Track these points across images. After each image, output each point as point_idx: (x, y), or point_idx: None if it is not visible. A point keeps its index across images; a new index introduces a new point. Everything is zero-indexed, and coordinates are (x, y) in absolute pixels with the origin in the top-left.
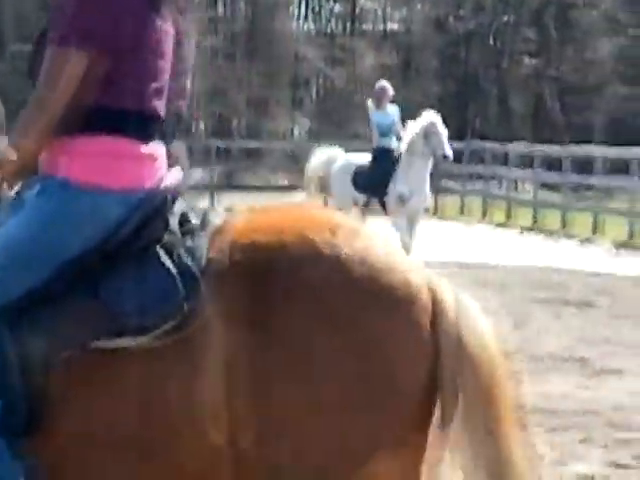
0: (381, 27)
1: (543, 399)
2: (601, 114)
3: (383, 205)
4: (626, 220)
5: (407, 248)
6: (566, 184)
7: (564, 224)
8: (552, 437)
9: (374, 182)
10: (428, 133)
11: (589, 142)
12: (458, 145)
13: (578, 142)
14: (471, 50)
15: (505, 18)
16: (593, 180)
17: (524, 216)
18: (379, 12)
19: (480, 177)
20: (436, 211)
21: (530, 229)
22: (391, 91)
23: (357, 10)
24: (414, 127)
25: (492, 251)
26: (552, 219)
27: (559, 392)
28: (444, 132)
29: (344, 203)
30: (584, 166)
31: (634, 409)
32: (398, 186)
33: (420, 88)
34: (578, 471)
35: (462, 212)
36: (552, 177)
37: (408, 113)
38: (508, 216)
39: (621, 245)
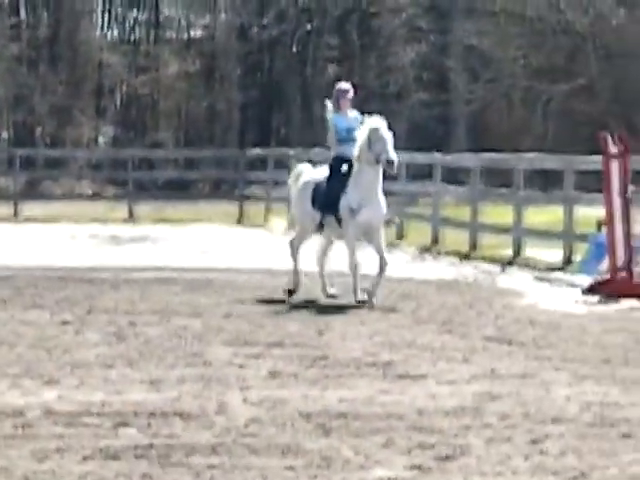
0: (184, 35)
1: (347, 404)
2: (403, 120)
3: (339, 222)
4: (430, 225)
5: (353, 268)
6: None
7: None
8: (356, 442)
9: (329, 197)
10: (371, 139)
11: (393, 148)
12: (262, 152)
13: None
14: (275, 58)
15: (308, 26)
16: (397, 186)
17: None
18: (182, 20)
19: (285, 183)
20: (241, 219)
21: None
22: (351, 93)
23: (160, 18)
24: (360, 134)
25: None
26: None
27: (363, 397)
28: (388, 137)
29: (305, 226)
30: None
31: (437, 413)
32: (346, 198)
33: (223, 95)
34: (381, 475)
35: (267, 219)
36: None
37: (212, 118)
38: None
39: (425, 250)
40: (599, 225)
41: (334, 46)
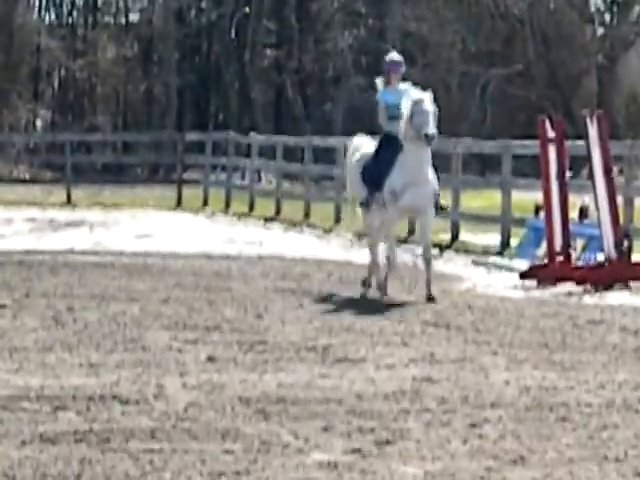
0: (122, 19)
1: (286, 388)
2: (341, 105)
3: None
4: None
5: (388, 256)
6: (308, 174)
7: (307, 214)
8: (294, 426)
9: (375, 175)
10: (413, 113)
11: (330, 133)
12: (200, 136)
13: (319, 133)
14: (213, 42)
15: (247, 10)
16: (334, 171)
17: (267, 207)
18: (120, 3)
19: (223, 168)
20: (179, 203)
21: (273, 220)
22: (403, 67)
23: (98, 2)
24: (403, 107)
25: (235, 242)
26: (295, 210)
27: (302, 381)
28: (430, 109)
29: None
30: (325, 157)
31: (375, 397)
32: (390, 180)
33: (161, 79)
34: (320, 459)
35: (205, 203)
36: (294, 168)
37: (150, 103)
38: (251, 207)
39: (362, 235)
40: (537, 209)
41: (272, 30)
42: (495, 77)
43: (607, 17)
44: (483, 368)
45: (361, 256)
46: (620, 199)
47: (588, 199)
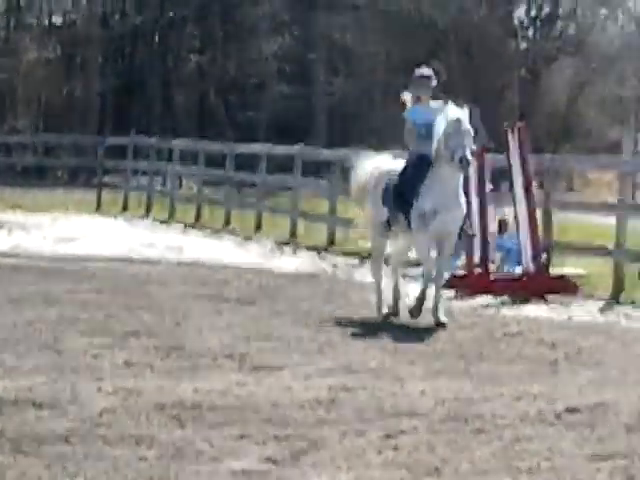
0: (45, 21)
1: (202, 395)
2: (264, 112)
3: (409, 223)
4: (289, 218)
5: (429, 280)
6: (230, 181)
7: (227, 221)
8: (209, 433)
9: (399, 195)
10: (449, 133)
11: (253, 140)
12: (121, 141)
13: (242, 140)
14: (136, 46)
15: (171, 14)
16: (256, 178)
17: (187, 213)
18: (44, 5)
19: (144, 173)
20: (99, 207)
21: (193, 226)
22: (434, 81)
23: (21, 3)
24: (438, 126)
25: (155, 247)
26: (216, 216)
27: (218, 388)
28: (468, 130)
29: (375, 224)
30: (248, 164)
31: (292, 405)
32: (421, 201)
33: (83, 83)
34: (234, 467)
35: (125, 208)
36: (216, 174)
37: (71, 106)
38: (172, 213)
39: (283, 243)
40: None
41: (196, 36)
42: None
43: (530, 32)
44: (399, 378)
45: (284, 265)
46: (539, 212)
47: (508, 212)
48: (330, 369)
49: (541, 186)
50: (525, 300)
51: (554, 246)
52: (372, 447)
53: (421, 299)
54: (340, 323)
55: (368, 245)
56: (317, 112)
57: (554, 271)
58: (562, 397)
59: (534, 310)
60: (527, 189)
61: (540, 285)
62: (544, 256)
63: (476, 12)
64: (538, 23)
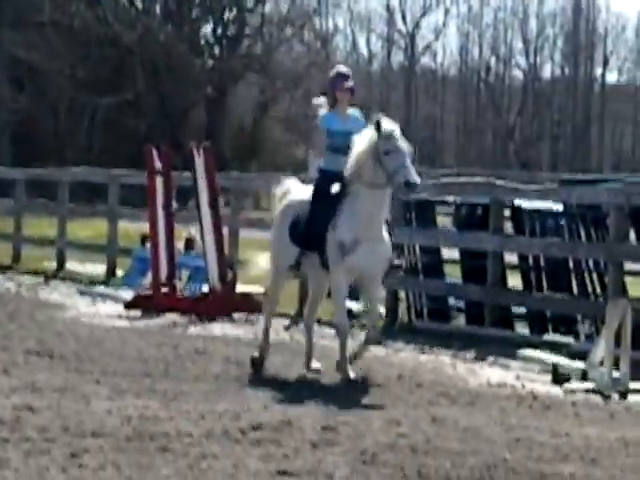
0: None
1: None
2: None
3: (325, 262)
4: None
5: (342, 327)
6: None
7: None
8: None
9: (310, 227)
10: (382, 149)
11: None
12: None
13: None
14: None
15: None
16: None
17: None
18: None
19: None
20: None
21: None
22: (351, 81)
23: None
24: (360, 142)
25: None
26: None
27: None
28: (406, 147)
29: (279, 264)
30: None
31: None
32: (336, 231)
33: None
34: None
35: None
36: None
37: None
38: None
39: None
40: (143, 239)
41: None
42: (104, 105)
43: (217, 50)
44: (85, 397)
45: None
46: (226, 230)
47: (195, 230)
48: (14, 388)
49: (227, 204)
50: (211, 318)
51: (240, 263)
52: (56, 466)
53: (358, 353)
54: (24, 342)
55: (52, 265)
56: (1, 129)
57: (241, 288)
58: (247, 414)
59: (220, 328)
60: (214, 207)
61: (226, 303)
62: (230, 274)
63: (163, 30)
64: (224, 41)
